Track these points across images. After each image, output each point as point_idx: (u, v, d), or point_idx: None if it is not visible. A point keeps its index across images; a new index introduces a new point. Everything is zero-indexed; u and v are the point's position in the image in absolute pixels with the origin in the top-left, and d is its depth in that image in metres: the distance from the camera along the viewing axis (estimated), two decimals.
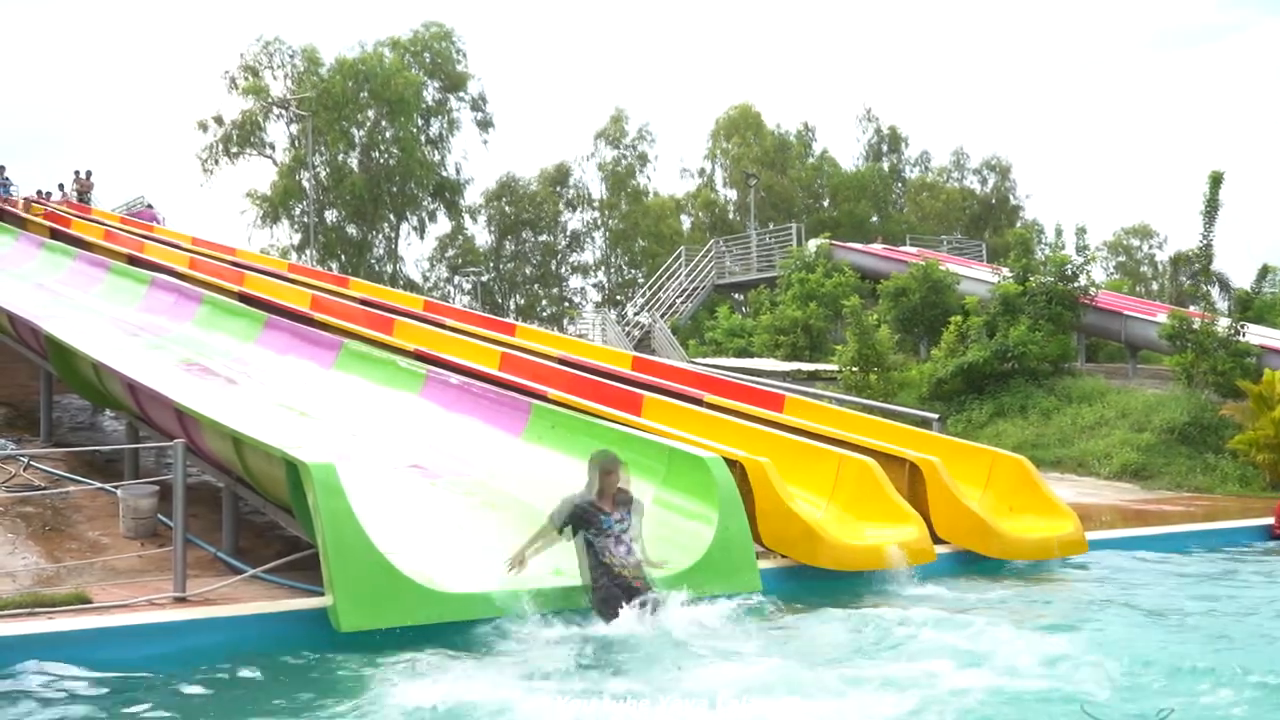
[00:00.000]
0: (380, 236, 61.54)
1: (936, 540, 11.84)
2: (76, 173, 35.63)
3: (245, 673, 7.61)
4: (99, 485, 12.38)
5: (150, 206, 35.77)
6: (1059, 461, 20.88)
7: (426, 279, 64.64)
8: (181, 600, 9.03)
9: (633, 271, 64.68)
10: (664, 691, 6.99)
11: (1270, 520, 14.50)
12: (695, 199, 65.23)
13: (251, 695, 7.09)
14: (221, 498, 11.13)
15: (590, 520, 8.86)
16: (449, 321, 19.11)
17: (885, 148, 67.84)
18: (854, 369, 25.68)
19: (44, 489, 12.76)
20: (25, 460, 13.55)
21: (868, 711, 6.57)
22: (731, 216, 62.40)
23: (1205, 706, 6.79)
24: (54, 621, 8.30)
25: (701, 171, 66.94)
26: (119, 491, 11.56)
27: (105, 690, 7.14)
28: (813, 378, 26.84)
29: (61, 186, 35.06)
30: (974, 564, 11.83)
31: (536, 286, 67.38)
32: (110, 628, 8.25)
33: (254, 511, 11.36)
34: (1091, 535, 12.76)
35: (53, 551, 10.73)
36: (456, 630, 8.47)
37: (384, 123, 58.50)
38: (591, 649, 8.20)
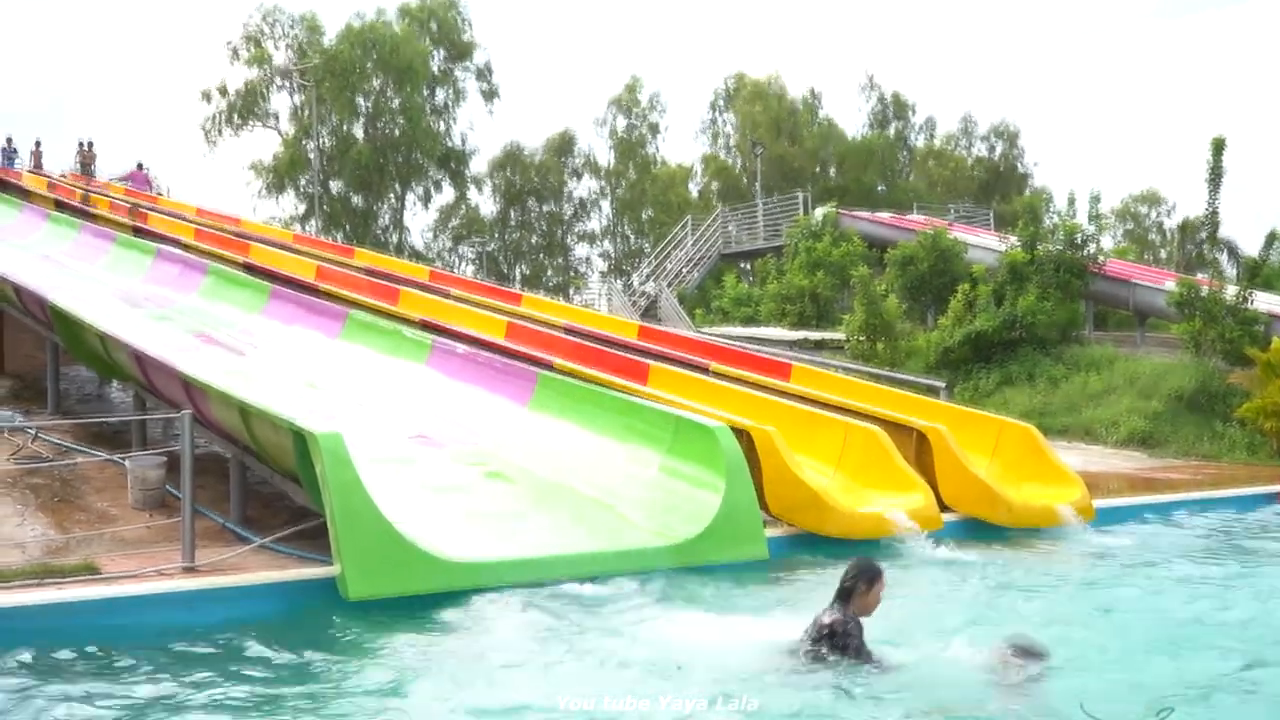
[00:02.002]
0: (385, 206, 61.44)
1: (943, 508, 11.85)
2: (80, 143, 35.50)
3: (254, 641, 7.62)
4: (107, 456, 12.39)
5: (141, 167, 35.41)
6: (1066, 429, 20.86)
7: (430, 249, 64.58)
8: (190, 570, 9.04)
9: (639, 240, 64.55)
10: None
11: (1278, 488, 14.48)
12: (706, 166, 64.96)
13: (260, 664, 7.11)
14: (229, 468, 11.14)
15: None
16: (455, 291, 19.11)
17: (890, 114, 67.41)
18: (861, 338, 25.64)
19: (52, 460, 12.79)
20: (33, 432, 13.57)
21: (865, 688, 6.55)
22: (742, 185, 62.10)
23: (1207, 681, 6.78)
24: (63, 591, 8.32)
25: (715, 136, 66.65)
26: (127, 462, 11.57)
27: (115, 660, 7.15)
28: (819, 346, 26.79)
29: (11, 147, 34.32)
30: (981, 531, 11.83)
31: (542, 256, 67.28)
32: (119, 597, 8.26)
33: (262, 481, 11.38)
34: (1099, 503, 12.76)
35: (61, 522, 10.75)
36: (463, 598, 8.49)
37: (389, 92, 58.30)
38: (597, 614, 8.23)
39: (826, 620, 6.79)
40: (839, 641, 6.71)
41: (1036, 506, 12.29)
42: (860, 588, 6.89)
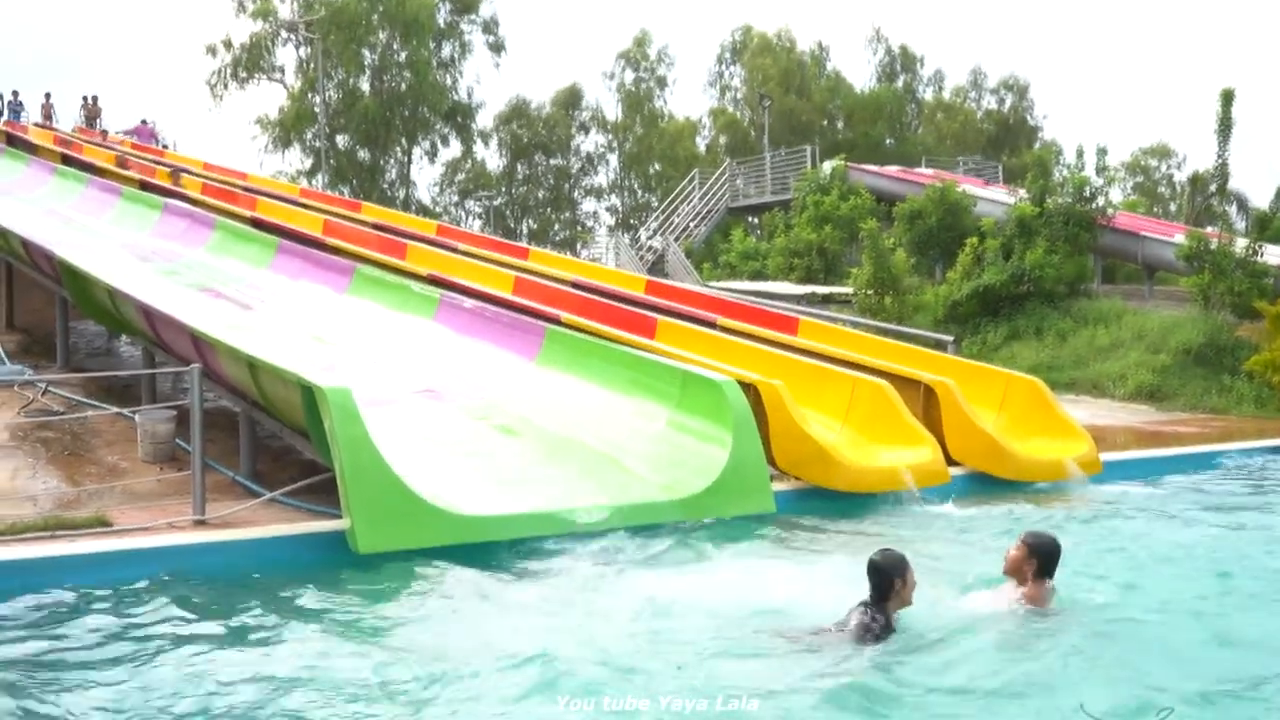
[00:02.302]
0: (392, 161, 61.25)
1: (951, 462, 11.87)
2: (84, 98, 35.40)
3: (263, 594, 7.68)
4: (117, 410, 12.44)
5: (145, 122, 35.26)
6: (1073, 383, 20.85)
7: (436, 203, 64.42)
8: (201, 523, 9.11)
9: (646, 195, 64.33)
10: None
11: None
12: (714, 120, 64.57)
13: (269, 617, 7.15)
14: (238, 422, 11.19)
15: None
16: (462, 246, 19.09)
17: (898, 68, 66.88)
18: (869, 292, 25.58)
19: (62, 414, 12.84)
20: (44, 386, 13.62)
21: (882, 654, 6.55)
22: (750, 138, 61.73)
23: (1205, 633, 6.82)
24: (75, 544, 8.39)
25: (722, 90, 66.20)
26: (137, 416, 11.63)
27: (126, 611, 7.21)
28: (827, 301, 26.74)
29: (17, 101, 33.71)
30: (988, 485, 11.85)
31: (549, 210, 67.10)
32: (131, 550, 8.34)
33: (271, 436, 11.43)
34: (1106, 456, 12.77)
35: (72, 475, 10.82)
36: (470, 552, 8.53)
37: (395, 45, 57.98)
38: (604, 571, 8.28)
39: (854, 623, 6.39)
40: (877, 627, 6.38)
41: (1043, 460, 12.30)
42: (895, 584, 6.46)
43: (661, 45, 64.27)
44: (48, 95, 34.55)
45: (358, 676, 6.00)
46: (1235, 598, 7.59)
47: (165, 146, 33.90)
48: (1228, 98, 23.08)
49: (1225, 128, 23.29)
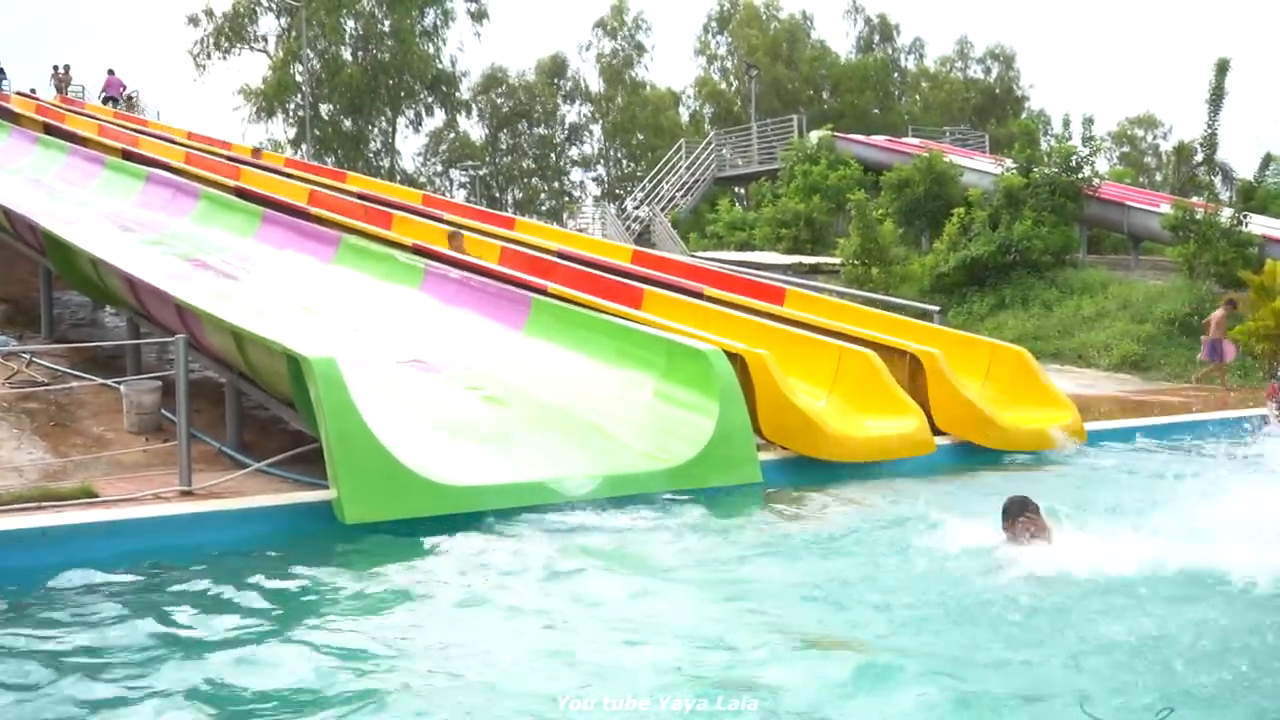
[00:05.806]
0: (376, 130, 60.92)
1: (936, 431, 11.92)
2: (55, 67, 35.35)
3: (250, 564, 7.67)
4: (102, 381, 12.40)
5: (112, 73, 35.09)
6: (1059, 353, 20.95)
7: (420, 173, 64.11)
8: (187, 494, 9.10)
9: (632, 165, 64.11)
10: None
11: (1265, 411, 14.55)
12: (701, 89, 64.28)
13: (256, 587, 7.14)
14: (224, 393, 11.17)
15: None
16: (448, 216, 19.03)
17: (877, 37, 66.60)
18: (856, 262, 25.61)
19: (47, 385, 12.80)
20: (28, 357, 13.57)
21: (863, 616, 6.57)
22: (736, 108, 61.52)
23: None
24: (62, 515, 8.37)
25: (711, 58, 65.79)
26: (122, 387, 11.60)
27: (113, 582, 7.19)
28: (814, 271, 26.78)
29: None
30: (974, 455, 11.90)
31: (535, 180, 66.88)
32: (118, 521, 8.32)
33: (258, 406, 11.41)
34: (1090, 426, 12.83)
35: (58, 447, 10.80)
36: (458, 522, 8.53)
37: (379, 14, 57.55)
38: (591, 540, 8.29)
39: None
40: None
41: (1028, 429, 12.36)
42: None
43: (638, 12, 63.98)
44: (55, 68, 34.80)
45: (342, 648, 5.98)
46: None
47: (132, 98, 33.89)
48: (1222, 67, 23.06)
49: (1217, 98, 23.28)
